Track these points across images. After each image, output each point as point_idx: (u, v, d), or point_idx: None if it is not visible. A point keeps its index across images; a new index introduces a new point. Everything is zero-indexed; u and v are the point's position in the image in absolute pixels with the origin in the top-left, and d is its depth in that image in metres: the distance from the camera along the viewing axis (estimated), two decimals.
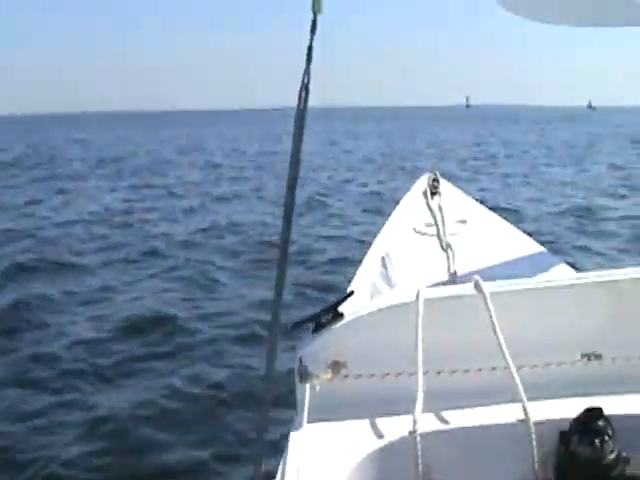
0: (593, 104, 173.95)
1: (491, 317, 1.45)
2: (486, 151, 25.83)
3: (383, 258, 2.31)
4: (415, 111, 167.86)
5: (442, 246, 2.31)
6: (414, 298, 1.50)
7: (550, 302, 1.57)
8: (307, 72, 1.37)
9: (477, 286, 1.52)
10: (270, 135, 41.84)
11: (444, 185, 3.14)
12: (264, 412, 1.56)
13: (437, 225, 2.50)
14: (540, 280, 1.61)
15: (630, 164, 18.93)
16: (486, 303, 1.47)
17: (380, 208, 10.15)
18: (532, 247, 2.39)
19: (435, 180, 3.09)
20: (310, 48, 1.36)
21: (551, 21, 2.86)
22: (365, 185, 15.11)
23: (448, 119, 75.87)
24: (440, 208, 2.70)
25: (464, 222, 2.62)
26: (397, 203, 3.13)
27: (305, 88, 1.38)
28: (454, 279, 2.06)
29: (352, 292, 1.59)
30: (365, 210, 11.31)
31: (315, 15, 1.36)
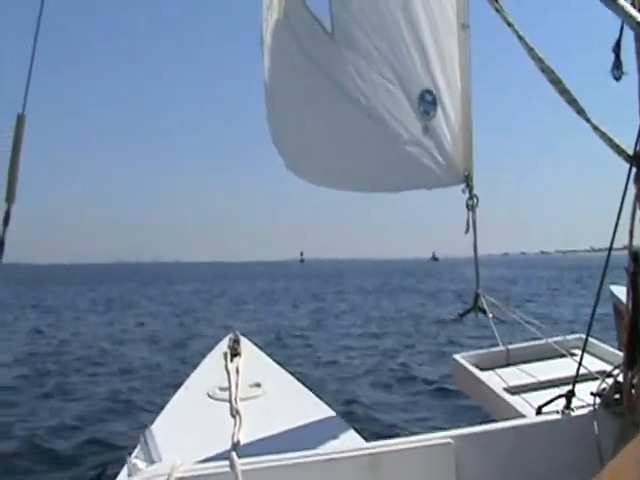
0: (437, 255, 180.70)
1: None
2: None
3: (144, 433, 2.09)
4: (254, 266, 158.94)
5: (231, 413, 2.23)
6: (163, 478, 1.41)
7: (307, 477, 1.54)
8: None
9: (231, 463, 1.47)
10: None
11: (245, 346, 3.06)
12: None
13: (230, 390, 2.43)
14: (297, 455, 1.57)
15: None
16: None
17: None
18: (323, 412, 2.32)
19: (236, 341, 3.02)
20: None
21: (335, 187, 3.36)
22: None
23: (282, 275, 65.40)
24: (237, 371, 2.64)
25: (259, 385, 2.54)
26: (196, 365, 2.97)
27: None
28: (236, 450, 1.91)
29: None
30: None
31: (9, 206, 1.40)
